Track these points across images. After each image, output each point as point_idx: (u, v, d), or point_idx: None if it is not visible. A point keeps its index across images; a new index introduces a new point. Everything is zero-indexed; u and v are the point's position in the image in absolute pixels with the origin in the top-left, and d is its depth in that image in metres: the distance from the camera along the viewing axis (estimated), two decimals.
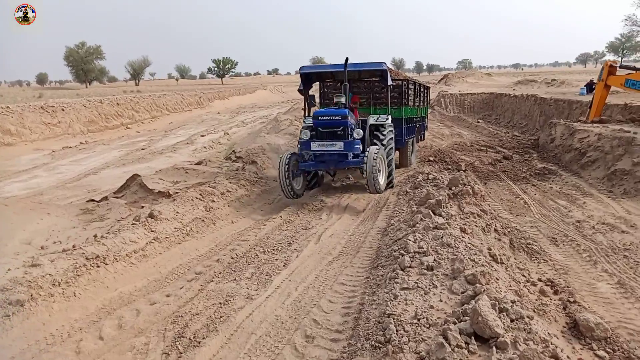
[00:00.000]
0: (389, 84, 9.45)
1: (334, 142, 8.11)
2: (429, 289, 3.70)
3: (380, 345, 3.10)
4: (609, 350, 3.61)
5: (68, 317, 4.16)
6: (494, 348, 2.78)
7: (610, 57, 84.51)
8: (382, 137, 9.27)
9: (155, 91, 42.74)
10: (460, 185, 6.94)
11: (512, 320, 3.06)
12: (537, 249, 6.29)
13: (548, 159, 12.30)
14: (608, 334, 3.76)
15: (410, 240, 4.71)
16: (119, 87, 69.43)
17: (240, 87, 60.72)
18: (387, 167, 8.82)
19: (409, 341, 3.01)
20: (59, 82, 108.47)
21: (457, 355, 2.77)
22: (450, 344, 2.84)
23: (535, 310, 4.19)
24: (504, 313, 3.10)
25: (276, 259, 5.50)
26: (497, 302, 3.16)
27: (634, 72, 12.87)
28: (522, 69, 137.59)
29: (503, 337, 2.85)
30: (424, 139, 15.20)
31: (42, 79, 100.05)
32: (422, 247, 4.47)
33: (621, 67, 14.07)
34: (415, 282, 3.82)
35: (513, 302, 3.25)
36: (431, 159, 12.74)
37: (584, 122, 13.08)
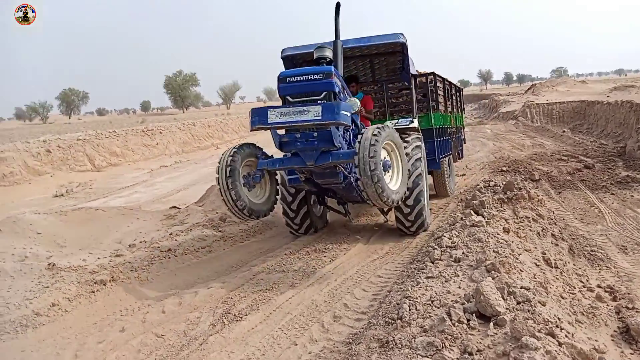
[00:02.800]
0: (411, 70, 6.78)
1: (304, 109, 4.74)
2: (450, 277, 3.90)
3: (392, 321, 3.39)
4: None
5: (140, 295, 4.95)
6: (492, 324, 2.96)
7: None
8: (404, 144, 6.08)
9: (244, 113, 45.59)
10: (515, 190, 6.88)
11: (518, 302, 3.19)
12: (602, 256, 6.04)
13: (634, 167, 11.45)
14: None
15: (445, 236, 4.90)
16: (212, 111, 74.61)
17: None
18: (406, 169, 5.56)
19: (417, 317, 3.27)
20: (160, 109, 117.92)
21: (457, 329, 2.99)
22: (451, 319, 3.06)
23: (584, 313, 4.16)
24: (512, 296, 3.24)
25: (325, 256, 5.93)
26: (505, 287, 3.30)
27: None
28: (626, 75, 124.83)
29: (503, 315, 3.01)
30: (462, 157, 12.45)
31: (145, 107, 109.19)
32: (454, 242, 4.65)
33: None
34: (440, 272, 4.04)
35: (525, 288, 3.37)
36: (504, 169, 12.37)
37: None
